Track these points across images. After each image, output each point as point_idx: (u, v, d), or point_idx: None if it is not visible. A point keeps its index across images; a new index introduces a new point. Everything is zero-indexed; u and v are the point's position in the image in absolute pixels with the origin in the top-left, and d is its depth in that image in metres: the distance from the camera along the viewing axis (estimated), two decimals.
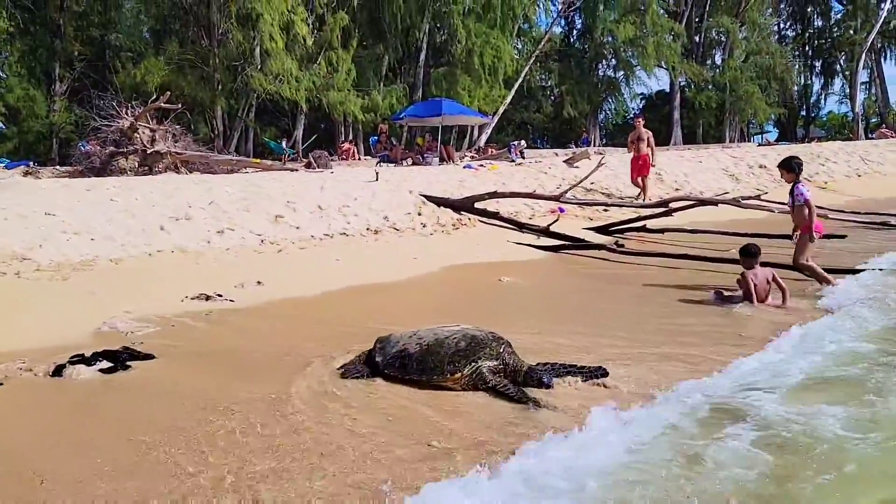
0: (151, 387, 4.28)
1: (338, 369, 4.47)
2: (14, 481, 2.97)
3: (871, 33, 42.56)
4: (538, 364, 4.27)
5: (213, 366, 4.74)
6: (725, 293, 6.72)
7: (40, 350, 4.83)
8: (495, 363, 4.12)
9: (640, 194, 14.40)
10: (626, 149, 16.63)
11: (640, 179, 14.55)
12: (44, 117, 30.39)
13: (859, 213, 12.93)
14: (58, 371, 4.43)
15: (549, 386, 4.02)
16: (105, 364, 4.60)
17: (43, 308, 5.96)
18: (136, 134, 15.60)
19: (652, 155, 14.76)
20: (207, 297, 6.50)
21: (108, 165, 15.25)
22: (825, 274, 7.08)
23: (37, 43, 30.32)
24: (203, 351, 5.09)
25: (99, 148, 16.11)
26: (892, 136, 30.67)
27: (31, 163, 21.21)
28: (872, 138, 33.34)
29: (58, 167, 18.77)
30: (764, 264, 6.65)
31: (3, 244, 7.42)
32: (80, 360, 4.63)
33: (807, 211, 6.99)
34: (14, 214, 8.29)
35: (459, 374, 4.09)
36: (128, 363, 4.66)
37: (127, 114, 15.95)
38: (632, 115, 49.31)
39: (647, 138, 14.72)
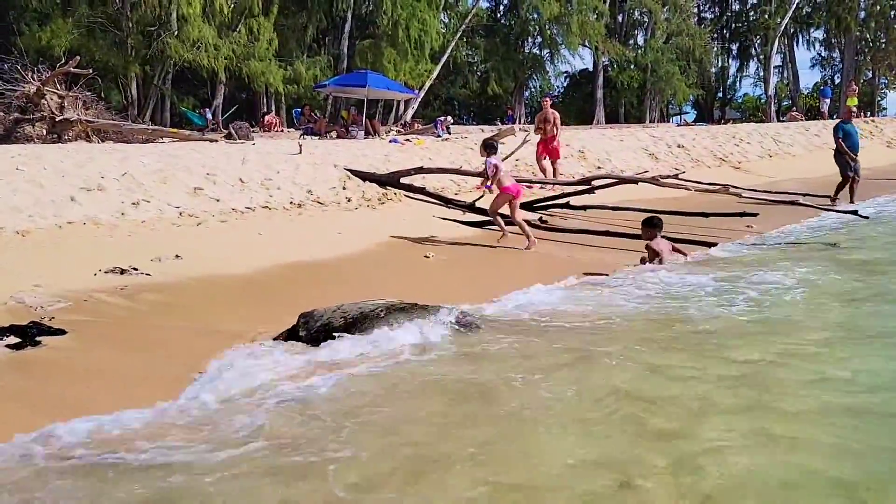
0: (62, 363, 4.15)
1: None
2: None
3: (785, 18, 44.32)
4: None
5: (129, 342, 4.64)
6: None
7: None
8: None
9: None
10: None
11: (546, 162, 14.31)
12: None
13: (770, 192, 13.53)
14: None
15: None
16: (12, 340, 4.43)
17: None
18: (43, 100, 14.86)
19: (557, 136, 14.51)
20: (122, 271, 6.30)
21: (13, 133, 14.49)
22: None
23: None
24: (118, 327, 4.96)
25: (2, 114, 15.24)
26: (801, 119, 32.17)
27: None
28: (784, 121, 34.89)
29: None
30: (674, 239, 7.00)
31: None
32: None
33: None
34: None
35: None
36: (37, 339, 4.51)
37: (33, 78, 15.17)
38: (556, 93, 50.45)
39: (554, 119, 14.46)
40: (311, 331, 4.41)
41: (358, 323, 4.37)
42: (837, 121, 15.51)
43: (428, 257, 7.91)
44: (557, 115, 14.64)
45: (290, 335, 4.54)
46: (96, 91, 18.52)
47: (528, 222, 9.80)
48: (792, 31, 47.79)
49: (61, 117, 14.68)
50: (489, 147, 9.16)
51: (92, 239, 7.52)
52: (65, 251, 6.93)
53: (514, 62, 41.21)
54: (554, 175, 14.03)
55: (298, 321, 4.58)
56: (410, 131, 23.13)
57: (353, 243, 8.52)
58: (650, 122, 39.85)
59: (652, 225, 7.32)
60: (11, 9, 28.50)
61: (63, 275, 6.03)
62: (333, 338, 4.33)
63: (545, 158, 14.32)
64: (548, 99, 15.50)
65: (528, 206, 11.55)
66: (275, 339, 4.55)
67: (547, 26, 40.00)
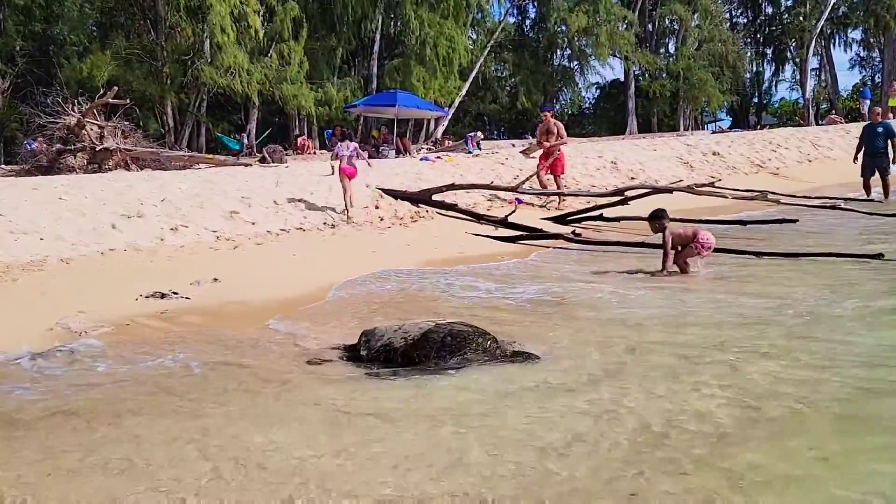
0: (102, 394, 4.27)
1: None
2: None
3: (821, 20, 43.68)
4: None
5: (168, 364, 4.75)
6: None
7: None
8: (483, 357, 4.20)
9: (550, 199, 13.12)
10: (580, 139, 16.59)
11: (548, 178, 13.27)
12: None
13: (810, 197, 13.31)
14: None
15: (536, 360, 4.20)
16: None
17: None
18: (83, 131, 15.34)
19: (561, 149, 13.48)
20: (163, 296, 6.46)
21: (56, 163, 14.99)
22: None
23: None
24: (160, 350, 5.09)
25: (46, 146, 15.80)
26: (841, 122, 31.58)
27: None
28: (822, 124, 34.30)
29: (3, 166, 18.36)
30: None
31: None
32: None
33: None
34: None
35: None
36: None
37: (73, 110, 15.67)
38: (587, 105, 50.31)
39: (558, 130, 13.44)
40: (372, 350, 4.41)
41: (420, 346, 4.28)
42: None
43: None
44: (561, 125, 13.80)
45: (351, 353, 4.58)
46: (134, 120, 19.05)
47: (562, 236, 9.80)
48: (828, 32, 46.99)
49: (101, 147, 15.13)
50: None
51: (133, 265, 7.72)
52: (107, 277, 7.13)
53: (543, 75, 41.21)
54: (550, 186, 13.19)
55: (360, 339, 4.60)
56: (441, 148, 23.28)
57: (387, 261, 8.59)
58: (684, 130, 39.46)
59: (654, 217, 7.34)
60: (52, 44, 29.47)
61: (105, 300, 6.21)
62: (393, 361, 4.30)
63: (548, 174, 13.30)
64: (547, 112, 14.25)
65: (561, 220, 11.56)
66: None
67: (575, 38, 39.95)
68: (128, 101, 17.58)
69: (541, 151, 13.79)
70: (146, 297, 6.41)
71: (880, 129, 13.91)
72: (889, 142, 13.73)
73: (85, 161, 15.09)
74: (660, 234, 7.33)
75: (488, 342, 4.29)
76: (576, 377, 4.03)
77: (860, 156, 14.11)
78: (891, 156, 13.82)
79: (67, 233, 8.25)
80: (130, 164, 15.29)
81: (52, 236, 8.08)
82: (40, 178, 12.42)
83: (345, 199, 10.85)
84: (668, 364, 4.22)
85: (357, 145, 11.91)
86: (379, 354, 4.36)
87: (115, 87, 17.60)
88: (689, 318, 5.54)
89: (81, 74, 24.49)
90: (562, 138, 13.39)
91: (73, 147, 15.21)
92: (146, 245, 8.45)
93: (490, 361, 4.17)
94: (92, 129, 15.52)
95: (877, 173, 13.84)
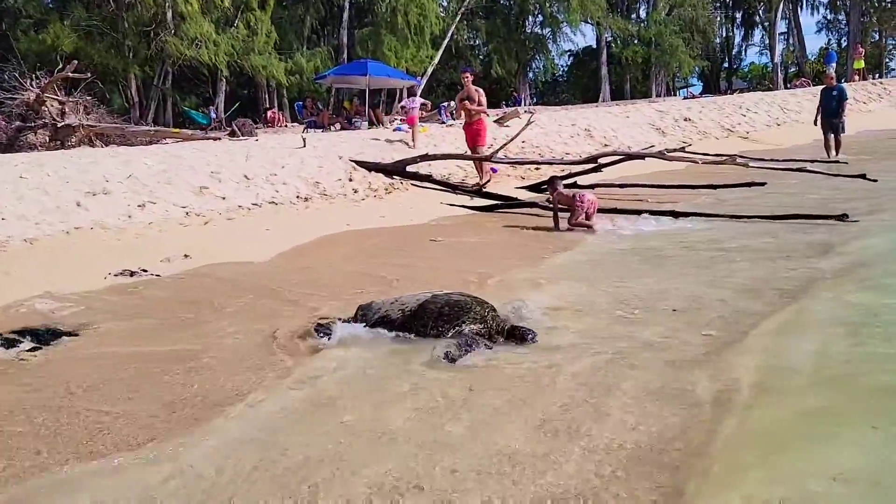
0: (71, 367, 4.17)
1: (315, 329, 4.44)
2: None
3: None
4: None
5: (144, 340, 4.65)
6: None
7: None
8: (479, 326, 4.13)
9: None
10: (554, 107, 16.49)
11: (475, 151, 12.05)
12: None
13: (777, 160, 13.41)
14: None
15: (534, 341, 4.09)
16: (26, 344, 4.48)
17: None
18: (43, 107, 14.93)
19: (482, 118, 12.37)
20: (132, 273, 6.33)
21: (16, 141, 14.58)
22: None
23: None
24: (130, 326, 4.98)
25: (4, 123, 15.32)
26: (809, 85, 31.85)
27: None
28: (791, 88, 34.54)
29: None
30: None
31: None
32: None
33: None
34: None
35: (443, 338, 4.07)
36: (50, 342, 4.55)
37: (32, 85, 15.22)
38: (561, 72, 50.10)
39: (479, 98, 12.08)
40: (370, 323, 4.36)
41: (418, 316, 4.23)
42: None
43: (436, 240, 7.86)
44: (482, 91, 12.34)
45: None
46: (97, 95, 18.58)
47: (534, 204, 9.79)
48: None
49: (63, 123, 14.74)
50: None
51: (100, 243, 7.54)
52: (74, 257, 6.95)
53: (516, 43, 40.95)
54: (481, 169, 12.01)
55: (356, 313, 4.54)
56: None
57: (367, 228, 8.58)
58: (656, 96, 39.56)
59: (548, 183, 8.83)
60: (5, 16, 28.52)
61: (73, 280, 6.06)
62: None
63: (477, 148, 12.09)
64: (468, 73, 12.53)
65: (534, 188, 11.56)
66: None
67: (547, 4, 39.70)
68: (89, 74, 17.10)
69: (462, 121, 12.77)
70: (115, 275, 6.27)
71: (834, 93, 15.32)
72: (840, 104, 15.08)
73: (46, 138, 14.69)
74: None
75: (486, 311, 4.23)
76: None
77: (819, 118, 15.44)
78: (844, 116, 15.27)
79: (30, 212, 8.02)
80: (94, 140, 14.91)
81: (14, 216, 7.84)
82: (1, 155, 12.07)
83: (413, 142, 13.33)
84: None
85: (423, 101, 13.33)
86: (375, 327, 4.30)
87: (76, 61, 17.15)
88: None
89: (40, 48, 23.74)
90: (482, 106, 12.21)
91: (33, 124, 14.80)
92: (113, 223, 8.25)
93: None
94: (52, 105, 15.10)
95: (831, 134, 15.09)
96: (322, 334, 4.33)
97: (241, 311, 5.22)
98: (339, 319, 4.59)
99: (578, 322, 4.55)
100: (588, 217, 8.18)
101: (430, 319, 4.17)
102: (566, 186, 9.20)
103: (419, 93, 31.78)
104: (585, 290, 5.41)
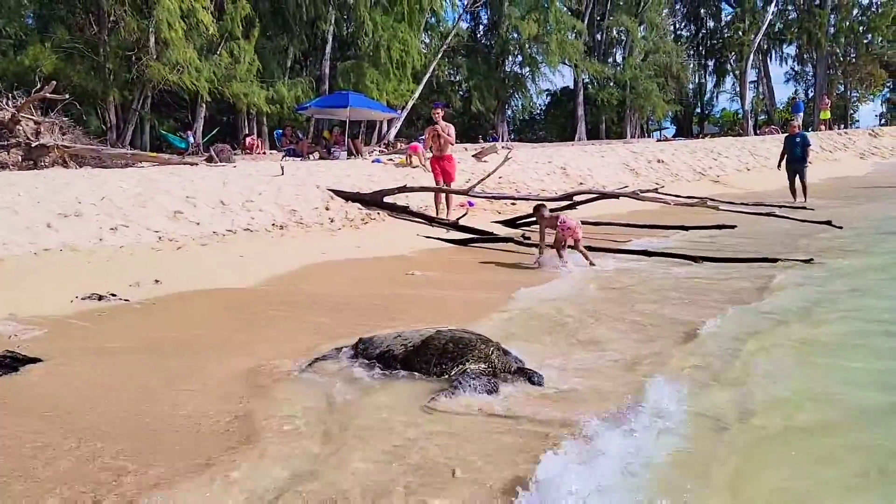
0: (33, 392, 4.01)
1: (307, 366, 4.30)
2: None
3: (758, 35, 45.06)
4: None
5: (106, 367, 4.50)
6: None
7: None
8: (483, 366, 3.99)
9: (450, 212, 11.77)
10: (532, 144, 16.63)
11: (443, 197, 11.95)
12: None
13: (747, 204, 13.60)
14: None
15: (540, 384, 3.89)
16: None
17: None
18: (18, 126, 14.68)
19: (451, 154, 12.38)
20: (100, 297, 6.18)
21: None
22: None
23: None
24: (95, 352, 4.82)
25: None
26: (777, 133, 32.58)
27: None
28: (760, 134, 35.29)
29: None
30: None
31: None
32: None
33: None
34: None
35: (446, 377, 3.96)
36: (13, 367, 4.37)
37: (8, 104, 14.99)
38: (539, 111, 50.71)
39: (448, 133, 12.00)
40: (371, 358, 4.23)
41: (420, 352, 4.11)
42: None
43: (413, 274, 7.77)
44: (452, 128, 12.25)
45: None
46: (74, 116, 18.37)
47: (509, 239, 9.81)
48: (765, 47, 48.57)
49: (37, 143, 14.51)
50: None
51: (69, 265, 7.36)
52: (41, 278, 6.78)
53: (495, 81, 41.42)
54: (448, 206, 12.00)
55: (357, 346, 4.40)
56: (393, 151, 23.12)
57: (343, 258, 8.50)
58: (630, 137, 40.16)
59: (535, 210, 8.86)
60: None
61: (39, 302, 5.90)
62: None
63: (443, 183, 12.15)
64: (439, 109, 12.38)
65: (510, 223, 11.57)
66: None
67: (526, 45, 40.32)
68: (67, 96, 16.92)
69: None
70: (82, 298, 6.12)
71: (798, 140, 15.78)
72: (804, 150, 15.55)
73: (19, 157, 14.41)
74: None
75: (491, 350, 4.09)
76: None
77: (783, 163, 15.98)
78: (807, 161, 15.67)
79: None
80: (69, 161, 14.68)
81: None
82: None
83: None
84: None
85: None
86: (378, 362, 4.17)
87: (54, 82, 16.95)
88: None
89: (19, 68, 23.49)
90: (452, 143, 12.21)
91: (6, 143, 14.53)
92: (84, 245, 8.08)
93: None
94: (27, 125, 14.86)
95: (796, 178, 15.56)
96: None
97: (210, 344, 5.08)
98: (336, 349, 4.49)
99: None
100: (576, 243, 8.18)
101: (433, 356, 4.05)
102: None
103: (398, 126, 32.24)
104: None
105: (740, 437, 3.26)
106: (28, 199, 8.97)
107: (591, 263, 8.06)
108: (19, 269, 7.05)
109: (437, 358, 4.04)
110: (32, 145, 14.44)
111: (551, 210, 9.90)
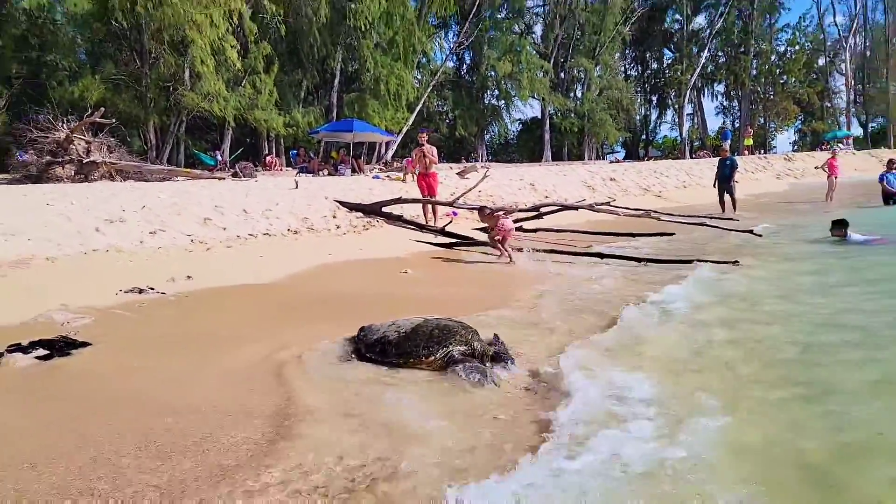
0: (85, 372, 3.96)
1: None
2: None
3: (693, 75, 45.49)
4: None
5: (146, 351, 4.45)
6: None
7: None
8: (464, 348, 3.99)
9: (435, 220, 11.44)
10: (506, 164, 16.58)
11: (430, 208, 11.52)
12: None
13: (683, 216, 13.67)
14: None
15: (513, 364, 3.95)
16: (42, 352, 4.23)
17: None
18: (72, 145, 14.54)
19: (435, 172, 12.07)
20: (140, 291, 6.11)
21: (45, 174, 14.13)
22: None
23: None
24: (136, 338, 4.77)
25: (36, 157, 14.86)
26: (709, 157, 32.87)
27: None
28: (694, 158, 35.59)
29: None
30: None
31: None
32: (17, 348, 4.24)
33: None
34: None
35: (433, 358, 3.95)
36: (66, 351, 4.31)
37: (63, 127, 14.82)
38: (512, 136, 50.77)
39: (432, 154, 11.83)
40: (369, 343, 4.21)
41: (411, 337, 4.08)
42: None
43: (406, 273, 7.74)
44: (434, 150, 12.14)
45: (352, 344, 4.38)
46: (119, 137, 18.19)
47: (487, 243, 9.77)
48: (699, 85, 49.00)
49: (88, 160, 14.38)
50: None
51: (114, 264, 7.27)
52: (89, 275, 6.69)
53: (476, 111, 41.46)
54: (434, 215, 11.75)
55: (358, 334, 4.39)
56: (390, 168, 23.07)
57: (347, 259, 8.41)
58: (588, 159, 40.33)
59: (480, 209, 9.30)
60: (45, 68, 27.94)
61: (88, 295, 5.82)
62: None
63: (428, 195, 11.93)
64: (424, 134, 12.34)
65: (486, 231, 11.50)
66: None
67: (502, 82, 40.41)
68: (114, 120, 16.78)
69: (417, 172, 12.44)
70: (125, 291, 6.04)
71: (728, 163, 15.77)
72: (732, 171, 15.60)
73: (72, 172, 14.25)
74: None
75: (471, 336, 4.09)
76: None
77: (716, 181, 15.95)
78: (735, 181, 15.76)
79: (53, 235, 7.71)
80: (115, 175, 14.53)
81: (39, 238, 7.52)
82: (30, 186, 11.67)
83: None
84: None
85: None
86: (375, 346, 4.15)
87: (102, 108, 16.82)
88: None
89: (73, 96, 23.21)
90: (435, 163, 12.08)
91: (61, 159, 14.36)
92: (127, 247, 7.98)
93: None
94: (79, 144, 14.70)
95: (726, 195, 15.64)
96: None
97: (235, 330, 5.04)
98: (344, 338, 4.45)
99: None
100: (503, 240, 8.56)
101: (421, 340, 4.03)
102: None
103: (394, 148, 32.16)
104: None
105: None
106: (79, 207, 8.85)
107: (511, 261, 8.36)
108: (71, 266, 6.95)
109: (425, 342, 4.01)
110: (84, 161, 14.29)
111: (519, 220, 9.96)
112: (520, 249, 9.07)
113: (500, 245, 8.59)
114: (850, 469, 2.65)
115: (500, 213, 9.15)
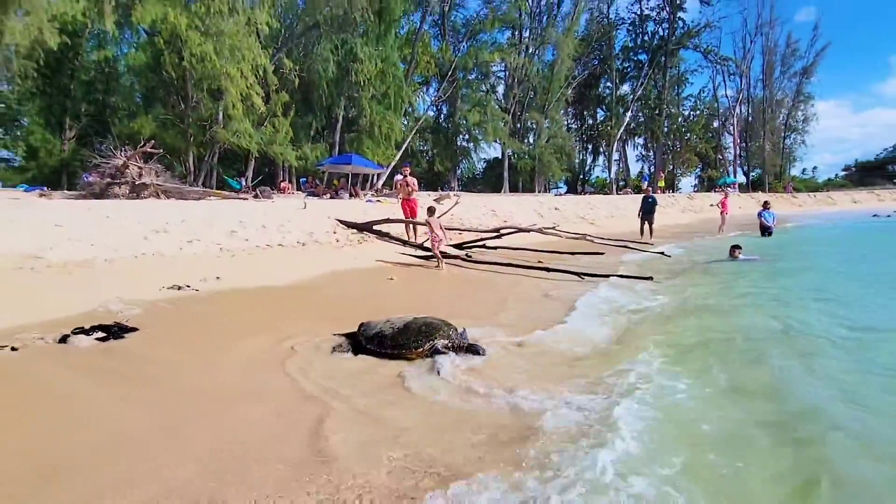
0: (134, 352, 4.00)
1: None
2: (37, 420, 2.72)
3: (620, 130, 46.52)
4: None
5: (182, 337, 4.50)
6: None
7: (50, 324, 4.41)
8: (446, 341, 4.03)
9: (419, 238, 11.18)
10: (473, 194, 16.63)
11: (412, 227, 11.42)
12: (57, 155, 27.43)
13: (611, 239, 13.93)
14: (63, 339, 4.08)
15: (484, 354, 3.99)
16: (100, 334, 4.27)
17: (52, 294, 5.40)
18: (127, 170, 14.34)
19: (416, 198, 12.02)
20: (179, 288, 6.13)
21: (105, 192, 13.91)
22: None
23: (52, 101, 27.36)
24: (175, 325, 4.81)
25: (98, 179, 14.63)
26: (631, 194, 33.58)
27: (45, 188, 19.00)
28: (619, 194, 36.33)
29: (66, 191, 16.86)
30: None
31: (22, 247, 6.66)
32: (81, 331, 4.27)
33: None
34: (31, 225, 7.47)
35: (421, 349, 3.97)
36: (119, 334, 4.35)
37: (121, 155, 14.62)
38: (479, 172, 51.07)
39: (413, 185, 11.87)
40: (368, 337, 4.18)
41: (403, 332, 4.07)
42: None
43: (392, 279, 7.78)
44: (415, 181, 12.18)
45: (352, 339, 4.31)
46: (165, 164, 17.93)
47: (459, 257, 9.89)
48: (624, 138, 50.04)
49: (140, 181, 14.18)
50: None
51: (158, 266, 7.26)
52: (138, 274, 6.68)
53: (450, 151, 41.71)
54: (415, 231, 11.65)
55: (359, 329, 4.33)
56: (381, 194, 23.12)
57: (342, 267, 8.44)
58: (538, 192, 40.82)
59: (429, 212, 9.43)
60: (108, 108, 27.69)
61: (137, 290, 5.83)
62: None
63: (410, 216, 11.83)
64: (407, 167, 12.46)
65: (458, 246, 11.59)
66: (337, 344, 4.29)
67: (472, 128, 40.79)
68: (161, 151, 16.57)
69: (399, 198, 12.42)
70: (167, 288, 6.06)
71: (650, 200, 15.94)
72: (653, 206, 15.81)
73: (127, 191, 14.05)
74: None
75: (451, 331, 4.13)
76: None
77: (640, 213, 16.01)
78: (655, 213, 15.89)
79: (111, 242, 7.67)
80: (161, 195, 14.36)
81: (100, 244, 7.48)
82: (93, 201, 11.51)
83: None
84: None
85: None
86: (373, 339, 4.14)
87: (152, 141, 16.62)
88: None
89: (129, 131, 22.93)
90: (415, 190, 12.10)
91: (119, 181, 14.15)
92: (168, 252, 7.95)
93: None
94: (134, 169, 14.51)
95: (646, 224, 15.78)
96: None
97: (254, 322, 5.08)
98: (340, 334, 4.43)
99: None
100: (434, 244, 8.86)
101: (412, 334, 4.06)
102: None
103: (384, 178, 32.18)
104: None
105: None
106: (132, 220, 8.79)
107: (439, 265, 8.62)
108: (125, 267, 6.93)
109: (415, 336, 4.05)
110: (136, 183, 14.10)
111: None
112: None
113: (434, 247, 8.62)
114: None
115: (437, 220, 9.22)
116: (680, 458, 2.42)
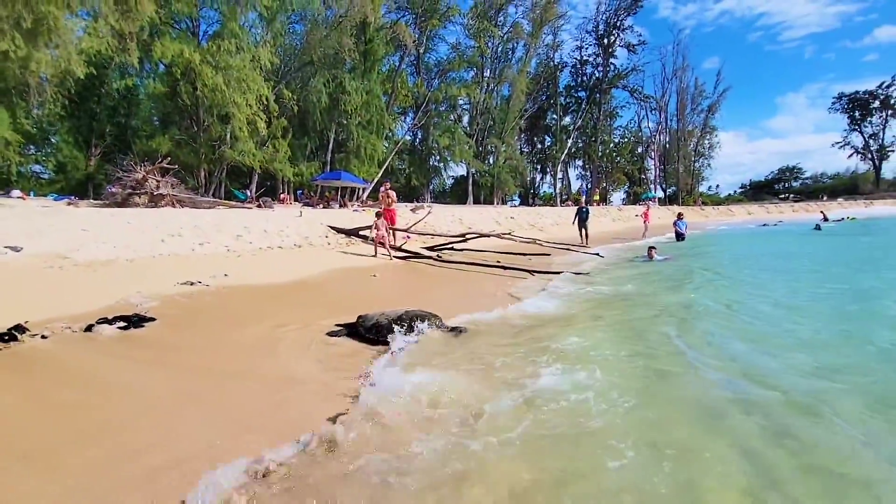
0: (152, 340, 3.92)
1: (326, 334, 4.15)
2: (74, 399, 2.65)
3: (563, 153, 47.40)
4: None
5: (195, 326, 4.42)
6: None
7: (76, 316, 4.26)
8: (429, 323, 4.10)
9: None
10: (443, 205, 16.50)
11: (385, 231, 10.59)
12: (83, 170, 26.27)
13: (556, 243, 14.18)
14: (88, 328, 3.95)
15: (464, 332, 4.11)
16: (122, 324, 4.16)
17: (78, 289, 5.21)
18: (146, 182, 13.84)
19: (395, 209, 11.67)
20: (192, 283, 5.99)
21: (127, 201, 13.39)
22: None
23: (80, 123, 26.30)
24: (188, 315, 4.71)
25: (120, 190, 14.07)
26: (572, 205, 34.20)
27: (73, 197, 18.14)
28: (563, 206, 36.97)
29: (91, 201, 16.13)
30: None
31: (52, 248, 6.41)
32: (105, 321, 4.15)
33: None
34: (60, 229, 7.16)
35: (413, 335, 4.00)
36: (139, 324, 4.24)
37: (140, 169, 14.11)
38: (448, 186, 51.11)
39: (392, 197, 11.62)
40: (366, 326, 4.14)
41: (398, 321, 4.06)
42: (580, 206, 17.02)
43: (374, 276, 7.73)
44: (394, 193, 11.90)
45: (350, 328, 4.24)
46: (180, 178, 17.39)
47: (432, 258, 9.87)
48: (567, 160, 51.01)
49: (157, 192, 13.71)
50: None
51: (173, 265, 7.07)
52: (156, 272, 6.49)
53: (424, 169, 41.67)
54: (394, 237, 11.25)
55: (357, 320, 4.26)
56: (365, 205, 22.93)
57: (332, 266, 8.35)
58: (497, 204, 41.16)
59: (376, 215, 9.54)
60: (129, 129, 26.72)
61: (155, 285, 5.68)
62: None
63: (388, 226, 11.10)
64: (388, 182, 12.49)
65: (431, 249, 11.56)
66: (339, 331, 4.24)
67: (443, 150, 40.86)
68: (176, 166, 16.08)
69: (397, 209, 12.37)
70: (181, 284, 5.91)
71: (584, 209, 15.81)
72: (587, 215, 15.53)
73: (146, 201, 13.56)
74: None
75: (436, 321, 4.19)
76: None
77: (575, 221, 15.82)
78: (588, 221, 15.53)
79: (131, 244, 7.43)
80: (176, 204, 13.90)
81: (122, 246, 7.24)
82: (116, 209, 11.08)
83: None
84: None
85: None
86: (372, 329, 4.11)
87: (168, 157, 16.14)
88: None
89: (148, 148, 22.13)
90: (395, 202, 11.87)
91: (139, 192, 13.65)
92: (182, 253, 7.75)
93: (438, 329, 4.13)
94: (152, 181, 14.02)
95: (583, 230, 15.45)
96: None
97: (258, 313, 5.03)
98: (340, 325, 4.36)
99: None
100: (378, 238, 8.87)
101: (404, 322, 4.08)
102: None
103: (368, 191, 31.93)
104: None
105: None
106: (151, 225, 8.52)
107: (389, 257, 8.59)
108: (143, 266, 6.73)
109: (408, 325, 4.08)
110: (154, 193, 13.63)
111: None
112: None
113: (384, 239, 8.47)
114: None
115: (383, 222, 9.23)
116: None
